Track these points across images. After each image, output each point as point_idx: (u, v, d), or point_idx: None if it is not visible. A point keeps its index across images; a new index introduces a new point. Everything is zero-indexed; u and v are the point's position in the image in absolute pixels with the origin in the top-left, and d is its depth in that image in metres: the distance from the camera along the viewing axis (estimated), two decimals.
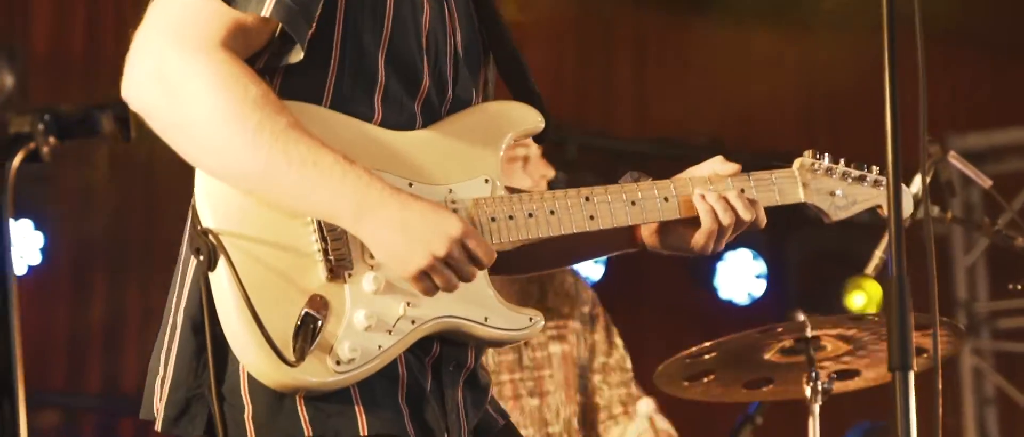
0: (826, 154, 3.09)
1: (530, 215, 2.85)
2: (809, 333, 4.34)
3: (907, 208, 3.05)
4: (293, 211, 2.70)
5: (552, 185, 4.84)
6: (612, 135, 8.52)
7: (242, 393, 2.70)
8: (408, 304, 2.73)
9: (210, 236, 2.68)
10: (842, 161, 3.10)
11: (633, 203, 2.93)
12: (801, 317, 4.43)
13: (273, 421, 2.69)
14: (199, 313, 2.71)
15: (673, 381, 4.62)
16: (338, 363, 2.68)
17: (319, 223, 2.70)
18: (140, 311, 7.25)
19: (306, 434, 2.69)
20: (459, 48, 2.95)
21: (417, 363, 2.80)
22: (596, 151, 8.17)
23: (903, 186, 3.02)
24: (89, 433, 7.37)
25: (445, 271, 2.67)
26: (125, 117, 2.01)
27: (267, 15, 2.66)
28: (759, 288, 8.50)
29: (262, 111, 2.60)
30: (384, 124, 2.81)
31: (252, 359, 2.67)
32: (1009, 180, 8.21)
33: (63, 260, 7.17)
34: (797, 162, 3.09)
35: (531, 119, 2.95)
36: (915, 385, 2.58)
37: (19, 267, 6.81)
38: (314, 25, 2.72)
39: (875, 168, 3.11)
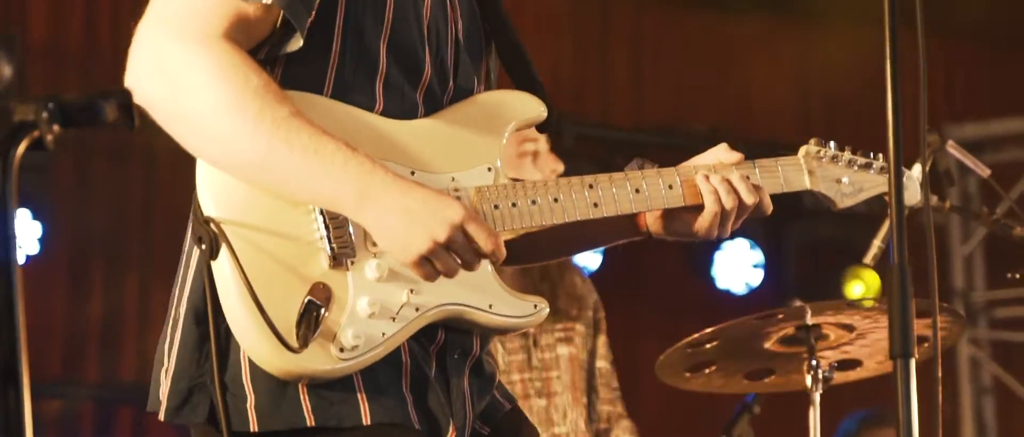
0: (832, 142, 3.09)
1: (533, 202, 2.85)
2: (809, 319, 4.34)
3: (915, 194, 3.05)
4: (295, 199, 2.70)
5: None
6: (610, 125, 8.52)
7: (244, 382, 2.71)
8: (411, 291, 2.74)
9: (212, 225, 2.69)
10: (848, 148, 3.10)
11: (637, 190, 2.93)
12: (799, 303, 4.42)
13: (276, 410, 2.70)
14: (202, 303, 2.72)
15: (675, 372, 4.62)
16: (342, 350, 2.68)
17: (321, 211, 2.71)
18: (138, 300, 7.24)
19: (309, 423, 2.69)
20: (461, 37, 2.95)
21: (421, 351, 2.80)
22: (594, 141, 8.17)
23: (910, 172, 3.03)
24: (88, 423, 7.37)
25: (446, 256, 2.67)
26: (129, 105, 2.00)
27: (268, 2, 2.67)
28: (757, 278, 8.48)
29: (263, 100, 2.61)
30: (386, 113, 2.81)
31: (255, 347, 2.67)
32: (1007, 170, 8.21)
33: (61, 250, 7.17)
34: (802, 150, 3.09)
35: (533, 108, 2.95)
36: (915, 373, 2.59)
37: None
38: (314, 13, 2.73)
39: (881, 155, 3.10)
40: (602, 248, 3.21)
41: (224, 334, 2.71)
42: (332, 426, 2.70)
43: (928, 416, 2.63)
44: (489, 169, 2.86)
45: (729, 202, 2.95)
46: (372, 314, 2.70)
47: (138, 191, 7.43)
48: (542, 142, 4.80)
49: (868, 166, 3.12)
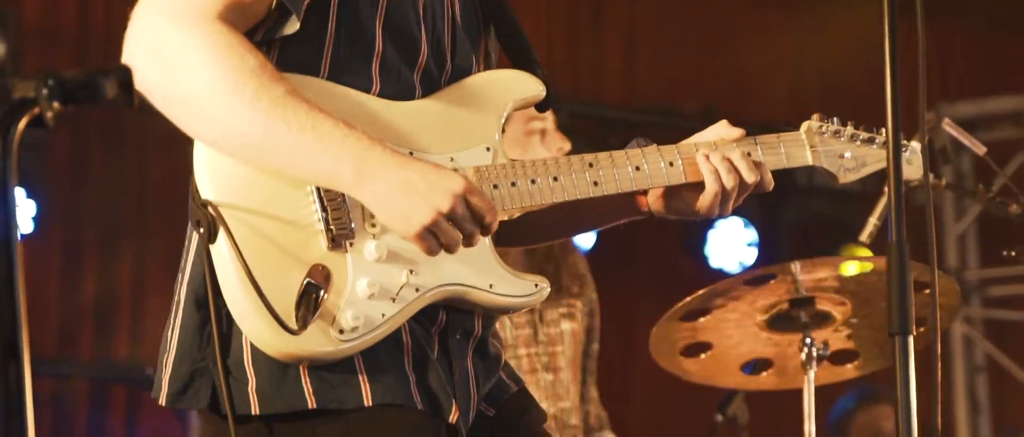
0: (834, 117, 3.09)
1: (533, 182, 2.85)
2: (799, 275, 4.31)
3: (917, 168, 3.04)
4: (293, 178, 2.70)
5: None
6: (603, 103, 8.51)
7: (246, 365, 2.71)
8: (411, 272, 2.73)
9: (210, 208, 2.68)
10: (850, 124, 3.09)
11: (637, 168, 2.92)
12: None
13: (277, 392, 2.70)
14: (202, 286, 2.72)
15: (669, 350, 4.61)
16: (341, 332, 2.68)
17: (319, 192, 2.70)
18: (132, 278, 7.24)
19: (310, 405, 2.69)
20: (458, 18, 2.94)
21: (423, 332, 2.80)
22: (588, 119, 8.15)
23: (913, 145, 3.02)
24: (82, 401, 7.37)
25: (449, 228, 2.66)
26: (129, 82, 1.99)
27: None
28: (750, 256, 8.48)
29: (259, 79, 2.60)
30: (383, 95, 2.80)
31: (255, 329, 2.67)
32: (1002, 147, 8.21)
33: (56, 229, 7.17)
34: (804, 125, 3.08)
35: (532, 87, 2.94)
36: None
37: None
38: None
39: (883, 130, 3.10)
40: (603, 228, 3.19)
41: (225, 318, 2.71)
42: (334, 408, 2.69)
43: (925, 393, 2.63)
44: (488, 149, 2.85)
45: (730, 181, 2.94)
46: (372, 295, 2.70)
47: (133, 170, 7.42)
48: (549, 120, 4.79)
49: (871, 141, 3.11)
